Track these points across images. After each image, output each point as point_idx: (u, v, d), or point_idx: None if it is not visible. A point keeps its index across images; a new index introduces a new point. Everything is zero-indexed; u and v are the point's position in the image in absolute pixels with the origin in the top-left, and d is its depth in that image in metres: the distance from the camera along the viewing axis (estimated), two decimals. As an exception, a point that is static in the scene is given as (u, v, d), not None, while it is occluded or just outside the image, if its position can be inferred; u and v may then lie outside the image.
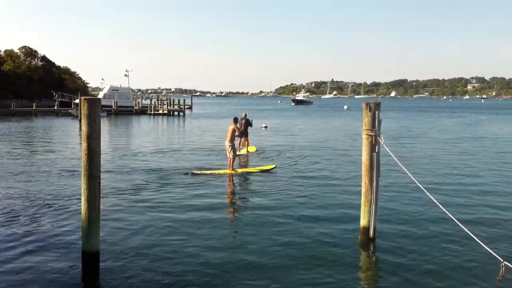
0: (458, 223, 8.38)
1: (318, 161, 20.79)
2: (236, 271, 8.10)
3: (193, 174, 17.22)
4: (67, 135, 34.70)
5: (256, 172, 18.05)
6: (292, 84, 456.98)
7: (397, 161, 9.49)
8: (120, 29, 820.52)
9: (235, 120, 18.87)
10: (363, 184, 9.41)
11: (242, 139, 23.68)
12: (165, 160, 20.97)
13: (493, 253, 7.65)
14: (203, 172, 17.61)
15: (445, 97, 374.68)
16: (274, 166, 18.87)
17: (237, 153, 21.70)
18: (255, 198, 13.82)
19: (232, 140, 18.08)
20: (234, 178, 16.99)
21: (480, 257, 8.59)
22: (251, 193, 14.71)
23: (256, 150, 24.48)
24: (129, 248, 9.06)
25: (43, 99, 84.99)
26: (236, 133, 18.96)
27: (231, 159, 17.81)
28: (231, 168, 17.78)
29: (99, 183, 7.74)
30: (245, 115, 24.38)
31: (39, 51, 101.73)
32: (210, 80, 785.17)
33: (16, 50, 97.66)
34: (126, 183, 15.54)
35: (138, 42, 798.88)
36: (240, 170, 18.25)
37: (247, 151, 23.68)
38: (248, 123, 23.86)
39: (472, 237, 7.85)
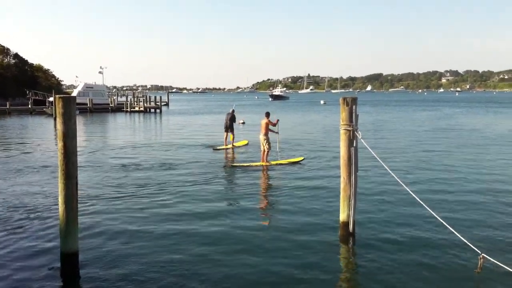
0: (436, 216, 8.50)
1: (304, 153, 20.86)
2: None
3: (232, 166, 18.63)
4: (42, 134, 34.21)
5: (286, 163, 18.92)
6: (268, 79, 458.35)
7: (375, 155, 9.55)
8: (93, 25, 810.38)
9: (267, 115, 19.56)
10: (341, 179, 9.45)
11: (228, 133, 24.58)
12: (148, 155, 20.84)
13: (471, 245, 7.76)
14: (240, 164, 18.96)
15: (420, 90, 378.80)
16: (302, 158, 19.69)
17: (223, 146, 24.12)
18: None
19: (266, 133, 19.00)
20: (268, 169, 18.05)
21: (459, 250, 8.67)
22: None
23: (247, 144, 25.47)
24: (109, 249, 8.95)
25: (16, 97, 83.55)
26: (270, 127, 19.56)
27: (266, 151, 18.91)
28: (265, 160, 18.89)
29: (76, 183, 7.63)
30: (232, 111, 25.32)
31: (11, 49, 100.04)
32: (186, 77, 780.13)
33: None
34: (105, 181, 15.41)
35: (112, 38, 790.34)
36: (273, 162, 18.99)
37: (233, 145, 24.49)
38: (232, 119, 24.75)
39: (450, 230, 7.95)
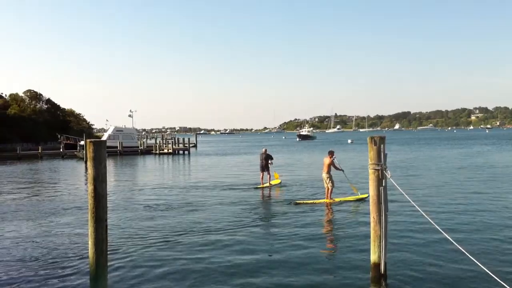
0: (471, 257, 8.27)
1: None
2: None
3: (296, 203, 18.84)
4: (74, 177, 34.76)
5: (352, 200, 19.23)
6: (296, 119, 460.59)
7: (404, 194, 9.42)
8: (122, 70, 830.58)
9: (331, 153, 19.66)
10: (371, 219, 9.31)
11: (265, 173, 25.36)
12: (173, 196, 20.92)
13: (505, 285, 7.51)
14: (305, 201, 19.22)
15: (449, 128, 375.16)
16: (367, 195, 19.26)
17: (260, 186, 24.80)
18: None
19: (328, 171, 19.28)
20: (332, 206, 18.24)
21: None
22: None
23: (280, 182, 25.94)
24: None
25: (48, 141, 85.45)
26: (332, 165, 19.74)
27: (330, 189, 19.19)
28: (329, 197, 19.24)
29: (106, 226, 7.70)
30: (265, 151, 25.89)
31: (44, 94, 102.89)
32: (214, 118, 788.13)
33: (21, 94, 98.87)
34: (135, 223, 15.49)
35: (141, 82, 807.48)
36: (337, 199, 19.30)
37: (270, 184, 25.12)
38: (268, 158, 25.44)
39: (484, 270, 7.71)
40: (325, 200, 19.22)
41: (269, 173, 25.39)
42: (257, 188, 24.75)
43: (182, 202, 20.24)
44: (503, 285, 7.53)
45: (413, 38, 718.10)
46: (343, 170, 20.08)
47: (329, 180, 19.19)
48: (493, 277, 7.58)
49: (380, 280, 9.18)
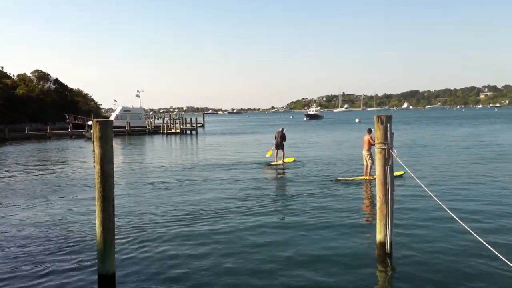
0: (477, 236, 8.27)
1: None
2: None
3: (337, 180, 19.38)
4: (82, 156, 34.97)
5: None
6: (303, 98, 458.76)
7: (412, 175, 9.41)
8: (130, 50, 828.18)
9: (369, 131, 19.61)
10: (377, 198, 9.32)
11: (279, 150, 26.10)
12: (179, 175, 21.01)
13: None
14: (346, 178, 19.75)
15: (458, 106, 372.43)
16: (403, 172, 19.32)
17: (274, 163, 25.51)
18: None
19: (369, 149, 19.50)
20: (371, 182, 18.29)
21: (502, 272, 8.42)
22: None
23: (294, 160, 26.52)
24: (146, 271, 9.00)
25: (57, 122, 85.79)
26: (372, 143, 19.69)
27: (369, 166, 19.48)
28: (368, 174, 19.51)
29: (113, 205, 7.75)
30: (282, 130, 26.61)
31: (51, 74, 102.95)
32: (221, 98, 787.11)
33: (29, 74, 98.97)
34: (145, 202, 15.59)
35: (149, 62, 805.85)
36: (375, 176, 18.92)
37: (283, 161, 25.76)
38: (283, 137, 26.13)
39: (491, 250, 7.70)
40: (364, 177, 19.52)
41: (283, 151, 26.03)
42: (270, 165, 25.38)
43: (191, 180, 20.35)
44: (506, 262, 7.53)
45: (421, 16, 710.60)
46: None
47: (369, 157, 19.38)
48: (495, 253, 7.57)
49: (385, 259, 9.21)
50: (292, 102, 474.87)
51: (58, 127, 78.71)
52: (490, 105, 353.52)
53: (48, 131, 66.43)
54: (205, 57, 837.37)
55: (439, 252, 9.68)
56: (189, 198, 16.39)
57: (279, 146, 25.99)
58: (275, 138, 26.35)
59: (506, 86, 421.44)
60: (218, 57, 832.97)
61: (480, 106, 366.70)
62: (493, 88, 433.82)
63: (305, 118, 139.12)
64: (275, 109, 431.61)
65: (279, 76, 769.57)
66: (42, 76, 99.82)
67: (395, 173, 18.90)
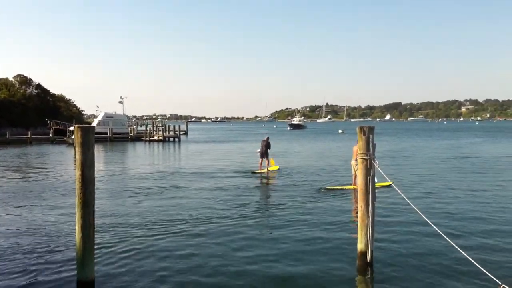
0: (456, 247, 8.35)
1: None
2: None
3: (326, 189, 19.71)
4: (63, 162, 34.61)
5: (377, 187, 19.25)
6: (287, 108, 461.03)
7: (394, 186, 9.48)
8: (114, 56, 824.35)
9: None
10: (359, 207, 9.38)
11: (264, 159, 26.33)
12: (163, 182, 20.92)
13: (491, 275, 7.59)
14: (335, 187, 20.09)
15: (439, 119, 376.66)
16: (390, 182, 19.20)
17: (258, 171, 25.96)
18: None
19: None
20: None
21: (479, 280, 8.50)
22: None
23: (279, 169, 26.97)
24: (125, 278, 8.92)
25: (38, 127, 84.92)
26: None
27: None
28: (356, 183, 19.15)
29: (93, 211, 7.69)
30: (267, 138, 26.86)
31: (34, 79, 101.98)
32: (205, 106, 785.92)
33: (10, 79, 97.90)
34: (123, 209, 15.47)
35: (132, 69, 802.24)
36: None
37: (268, 170, 26.04)
38: (268, 145, 26.38)
39: (469, 259, 7.79)
40: (353, 186, 19.44)
41: (268, 160, 26.30)
42: (254, 173, 25.69)
43: (173, 187, 20.29)
44: (482, 270, 7.61)
45: (406, 29, 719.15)
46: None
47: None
48: (473, 263, 7.65)
49: (366, 269, 9.25)
50: (276, 111, 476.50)
51: (39, 132, 77.90)
52: (472, 118, 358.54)
53: (29, 136, 65.69)
54: (190, 64, 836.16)
55: (419, 261, 9.74)
56: (170, 205, 16.31)
57: (264, 154, 26.24)
58: (260, 147, 26.53)
59: (487, 100, 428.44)
60: (202, 65, 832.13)
61: (462, 119, 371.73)
62: (474, 102, 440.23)
63: (288, 128, 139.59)
64: (259, 118, 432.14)
65: (264, 86, 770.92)
66: (24, 80, 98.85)
67: (383, 184, 19.28)
